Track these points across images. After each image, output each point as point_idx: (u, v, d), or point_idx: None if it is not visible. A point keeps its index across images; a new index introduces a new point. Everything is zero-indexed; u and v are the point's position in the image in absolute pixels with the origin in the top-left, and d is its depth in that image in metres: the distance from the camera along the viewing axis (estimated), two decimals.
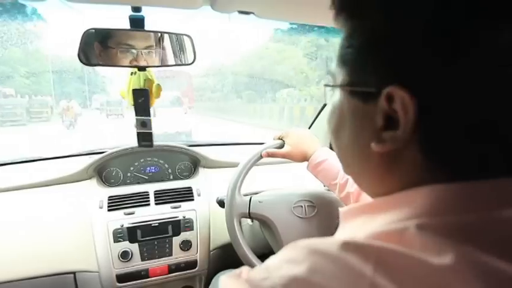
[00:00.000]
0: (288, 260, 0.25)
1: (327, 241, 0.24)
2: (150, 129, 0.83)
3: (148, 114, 0.82)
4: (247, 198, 0.89)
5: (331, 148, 0.87)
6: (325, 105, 1.27)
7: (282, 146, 0.88)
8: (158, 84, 0.86)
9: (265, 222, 0.90)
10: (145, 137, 0.83)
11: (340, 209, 0.33)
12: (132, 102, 0.82)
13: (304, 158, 0.84)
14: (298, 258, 0.24)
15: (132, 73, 0.82)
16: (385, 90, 0.24)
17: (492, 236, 0.22)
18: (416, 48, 0.23)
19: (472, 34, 0.22)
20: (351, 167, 0.33)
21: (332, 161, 0.80)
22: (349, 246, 0.23)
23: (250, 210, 0.88)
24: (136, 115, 0.82)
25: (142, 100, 0.81)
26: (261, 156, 0.88)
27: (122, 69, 0.82)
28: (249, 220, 1.00)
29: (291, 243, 0.26)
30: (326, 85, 0.32)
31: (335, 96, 0.31)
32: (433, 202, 0.24)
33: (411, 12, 0.23)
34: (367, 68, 0.26)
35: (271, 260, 0.26)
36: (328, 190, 0.99)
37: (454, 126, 0.23)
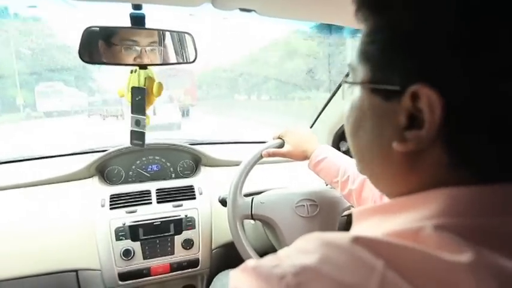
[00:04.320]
0: (300, 250, 0.25)
1: (339, 234, 0.24)
2: (143, 128, 0.82)
3: (143, 114, 0.82)
4: (249, 199, 0.89)
5: (333, 146, 0.87)
6: (326, 104, 1.26)
7: (282, 146, 0.88)
8: (160, 83, 0.85)
9: (268, 223, 0.90)
10: (137, 136, 0.82)
11: (353, 210, 0.32)
12: (130, 101, 0.81)
13: (305, 157, 0.84)
14: (310, 248, 0.24)
15: (132, 71, 0.82)
16: (410, 89, 0.24)
17: (511, 240, 0.22)
18: (444, 46, 0.23)
19: (499, 29, 0.21)
20: (369, 167, 0.32)
21: (332, 158, 0.79)
22: (360, 240, 0.23)
23: (253, 212, 0.88)
24: (132, 113, 0.81)
25: (139, 98, 0.80)
26: (262, 157, 0.88)
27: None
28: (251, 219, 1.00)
29: (303, 236, 0.26)
30: (345, 82, 0.31)
31: (354, 94, 0.30)
32: (452, 204, 0.24)
33: (439, 8, 0.23)
34: (390, 65, 0.26)
35: (283, 251, 0.26)
36: (331, 188, 0.99)
37: (480, 127, 0.23)
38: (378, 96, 0.27)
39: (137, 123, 0.81)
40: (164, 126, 9.09)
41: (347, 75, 1.08)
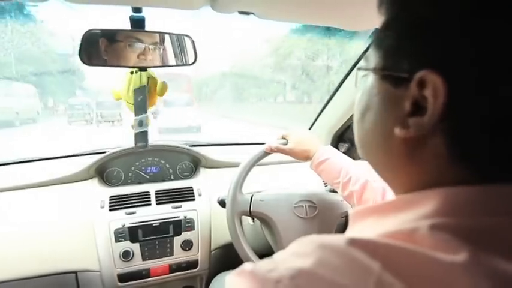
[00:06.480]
0: (295, 253, 0.25)
1: (335, 237, 0.24)
2: (146, 127, 0.82)
3: (145, 112, 0.82)
4: (249, 196, 0.89)
5: (334, 146, 0.88)
6: (325, 105, 1.27)
7: (285, 145, 0.89)
8: (164, 82, 0.86)
9: (265, 221, 0.91)
10: (141, 137, 0.82)
11: (350, 211, 0.32)
12: (132, 102, 0.81)
13: (306, 156, 0.85)
14: (306, 251, 0.24)
15: (132, 72, 0.82)
16: (418, 75, 0.24)
17: (506, 241, 0.22)
18: (456, 34, 0.23)
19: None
20: (371, 154, 0.32)
21: (334, 159, 0.80)
22: (356, 242, 0.23)
23: (251, 209, 0.88)
24: (135, 115, 0.81)
25: (141, 98, 0.80)
26: (264, 153, 0.89)
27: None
28: (250, 220, 1.00)
29: (298, 239, 0.26)
30: (359, 68, 0.31)
31: (367, 81, 0.30)
32: (449, 203, 0.24)
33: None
34: (401, 52, 0.26)
35: (279, 254, 0.26)
36: (332, 191, 1.00)
37: (481, 123, 0.23)
38: (387, 82, 0.27)
39: (140, 123, 0.81)
40: (184, 129, 9.14)
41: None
